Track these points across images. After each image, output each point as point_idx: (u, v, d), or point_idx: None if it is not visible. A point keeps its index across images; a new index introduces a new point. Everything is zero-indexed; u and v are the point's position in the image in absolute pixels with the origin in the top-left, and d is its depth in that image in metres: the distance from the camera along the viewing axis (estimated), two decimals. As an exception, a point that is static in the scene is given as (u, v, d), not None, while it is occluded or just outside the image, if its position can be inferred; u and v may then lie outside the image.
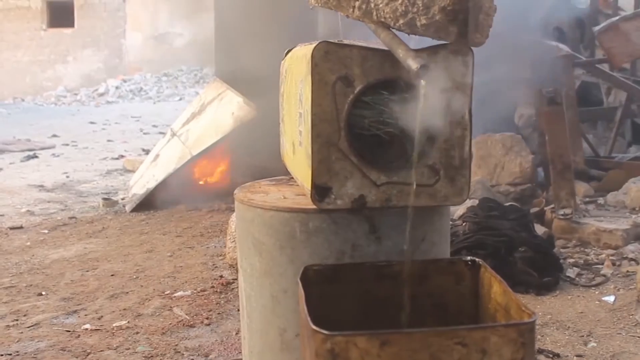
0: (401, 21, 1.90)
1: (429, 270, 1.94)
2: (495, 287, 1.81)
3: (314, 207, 1.99)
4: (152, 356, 3.21)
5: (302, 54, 2.09)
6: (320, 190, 1.97)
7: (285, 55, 2.48)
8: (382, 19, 1.94)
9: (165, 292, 4.04)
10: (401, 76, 1.93)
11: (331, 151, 1.95)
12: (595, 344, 3.22)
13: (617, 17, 6.48)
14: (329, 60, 1.93)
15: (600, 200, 5.46)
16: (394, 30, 1.95)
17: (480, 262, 1.91)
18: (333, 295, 1.89)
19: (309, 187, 1.98)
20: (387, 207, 2.00)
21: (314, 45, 1.94)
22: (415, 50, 1.87)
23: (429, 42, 1.95)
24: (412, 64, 1.78)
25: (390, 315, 1.90)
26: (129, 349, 3.30)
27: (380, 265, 1.93)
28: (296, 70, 2.18)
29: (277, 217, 2.07)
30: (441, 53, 1.94)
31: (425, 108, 1.89)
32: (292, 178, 2.44)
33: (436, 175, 2.02)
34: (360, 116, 1.95)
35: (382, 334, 1.48)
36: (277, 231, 2.07)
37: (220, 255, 4.71)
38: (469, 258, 1.93)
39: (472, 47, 1.95)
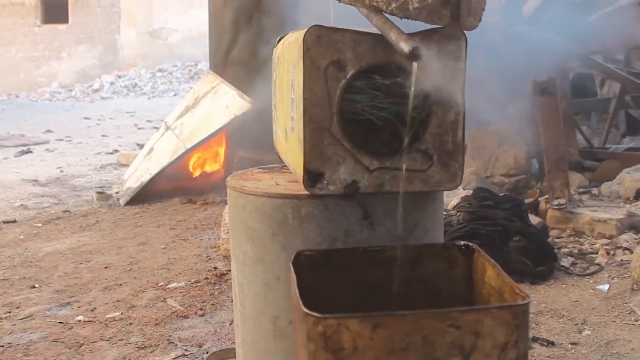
0: (393, 5, 1.88)
1: (422, 255, 1.92)
2: (489, 272, 1.80)
3: (307, 193, 1.97)
4: (145, 347, 3.19)
5: (294, 39, 2.08)
6: (312, 176, 1.95)
7: (278, 43, 2.46)
8: (374, 3, 1.92)
9: (159, 284, 4.03)
10: (394, 60, 1.92)
11: (323, 136, 1.94)
12: (589, 332, 3.22)
13: (612, 7, 6.47)
14: (321, 44, 1.91)
15: (594, 191, 5.48)
16: (386, 14, 1.93)
17: (474, 247, 1.90)
18: (325, 280, 1.87)
19: (301, 173, 1.96)
20: (380, 192, 1.99)
21: (305, 29, 1.92)
22: (407, 34, 1.86)
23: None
24: (405, 46, 1.77)
25: (383, 300, 1.89)
26: (122, 339, 3.28)
27: (373, 251, 1.91)
28: (288, 56, 2.16)
29: (269, 203, 2.06)
30: (434, 37, 1.93)
31: (417, 92, 1.88)
32: (285, 166, 2.43)
33: (429, 160, 2.00)
34: (353, 101, 1.93)
35: (375, 316, 1.47)
36: (269, 218, 2.06)
37: (214, 247, 4.70)
38: (462, 243, 1.92)
39: (465, 31, 1.93)
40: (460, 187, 4.21)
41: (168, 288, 3.96)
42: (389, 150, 1.97)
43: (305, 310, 1.48)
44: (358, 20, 2.08)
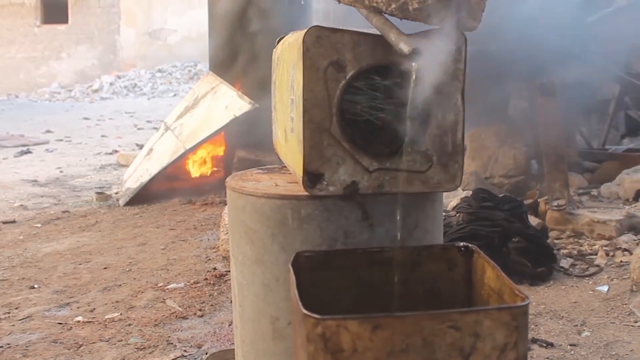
0: (393, 5, 1.88)
1: (421, 256, 1.92)
2: (489, 273, 1.80)
3: (306, 194, 1.97)
4: (144, 347, 3.19)
5: (294, 39, 2.08)
6: (312, 177, 1.95)
7: (277, 44, 2.46)
8: (374, 4, 1.92)
9: (158, 285, 4.03)
10: (393, 61, 1.91)
11: (323, 137, 1.93)
12: (589, 333, 3.22)
13: (611, 8, 6.47)
14: (321, 45, 1.91)
15: (594, 192, 5.47)
16: (385, 15, 1.93)
17: (474, 248, 1.90)
18: (325, 281, 1.87)
19: (301, 174, 1.96)
20: (380, 193, 1.99)
21: (305, 30, 1.92)
22: (407, 35, 1.86)
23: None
24: (404, 47, 1.77)
25: (382, 302, 1.89)
26: (121, 340, 3.28)
27: (373, 252, 1.91)
28: (288, 57, 2.16)
29: (268, 204, 2.05)
30: (434, 38, 1.92)
31: (417, 93, 1.87)
32: (284, 166, 2.42)
33: (429, 161, 2.00)
34: (352, 102, 1.93)
35: (374, 317, 1.46)
36: (268, 218, 2.06)
37: (214, 248, 4.70)
38: (462, 244, 1.91)
39: (465, 32, 1.93)
40: (459, 188, 4.20)
41: (167, 289, 3.96)
42: (388, 151, 1.97)
43: (305, 311, 1.48)
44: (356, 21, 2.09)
